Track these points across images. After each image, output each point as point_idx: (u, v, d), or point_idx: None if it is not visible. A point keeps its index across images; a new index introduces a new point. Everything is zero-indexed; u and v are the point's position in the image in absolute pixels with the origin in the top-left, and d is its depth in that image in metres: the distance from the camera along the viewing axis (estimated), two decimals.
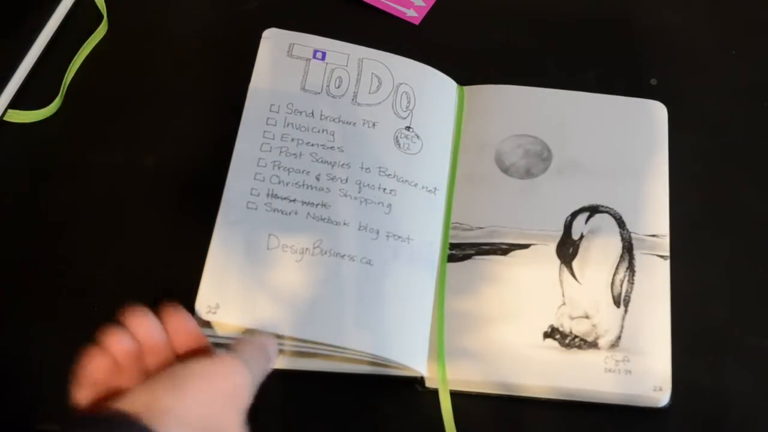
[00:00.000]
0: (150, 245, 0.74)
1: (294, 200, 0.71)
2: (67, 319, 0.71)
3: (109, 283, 0.72)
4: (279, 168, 0.72)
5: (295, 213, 0.71)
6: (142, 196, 0.76)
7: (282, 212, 0.71)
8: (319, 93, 0.76)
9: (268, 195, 0.71)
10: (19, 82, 0.80)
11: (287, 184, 0.72)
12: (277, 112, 0.74)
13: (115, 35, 0.83)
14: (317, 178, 0.72)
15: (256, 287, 0.68)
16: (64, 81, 0.80)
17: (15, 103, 0.79)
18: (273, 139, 0.73)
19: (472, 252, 0.72)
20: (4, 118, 0.78)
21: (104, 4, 0.84)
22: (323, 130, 0.74)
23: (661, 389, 0.67)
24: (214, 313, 0.67)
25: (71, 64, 0.81)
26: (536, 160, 0.75)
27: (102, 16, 0.83)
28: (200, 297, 0.67)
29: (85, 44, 0.82)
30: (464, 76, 0.79)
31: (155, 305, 0.71)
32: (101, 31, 0.83)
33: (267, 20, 0.80)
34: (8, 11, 0.82)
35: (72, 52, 0.82)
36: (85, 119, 0.80)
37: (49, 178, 0.77)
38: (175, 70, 0.82)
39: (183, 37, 0.84)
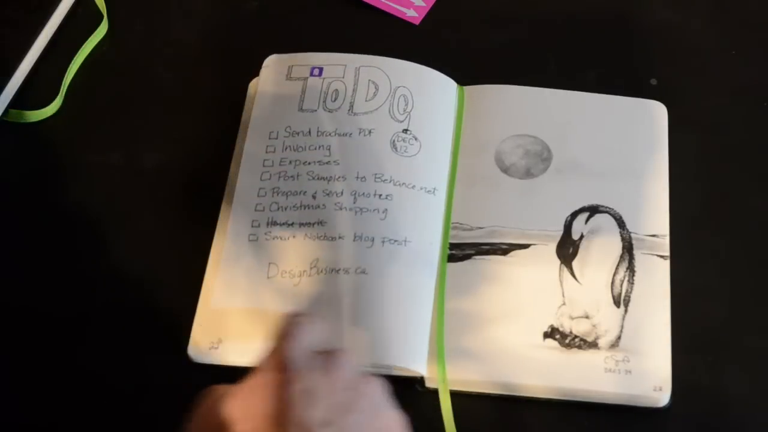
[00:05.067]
0: (150, 245, 0.74)
1: (292, 224, 0.71)
2: (67, 319, 0.71)
3: (109, 283, 0.72)
4: (278, 194, 0.72)
5: (293, 237, 0.71)
6: (141, 196, 0.76)
7: (281, 239, 0.71)
8: (315, 110, 0.76)
9: (267, 224, 0.71)
10: (19, 82, 0.80)
11: (285, 209, 0.72)
12: (276, 138, 0.75)
13: (115, 35, 0.83)
14: (314, 197, 0.72)
15: (256, 319, 0.68)
16: (64, 81, 0.80)
17: (15, 103, 0.79)
18: (272, 166, 0.74)
19: (472, 252, 0.72)
20: (5, 118, 0.79)
21: (104, 4, 0.84)
22: (320, 146, 0.74)
23: (661, 389, 0.67)
24: (216, 348, 0.67)
25: (71, 64, 0.81)
26: (536, 160, 0.75)
27: (102, 16, 0.84)
28: (200, 333, 0.68)
29: (85, 44, 0.82)
30: (464, 76, 0.79)
31: (155, 305, 0.71)
32: (101, 31, 0.83)
33: (267, 20, 0.80)
34: (8, 11, 0.82)
35: (72, 52, 0.82)
36: (85, 119, 0.80)
37: (49, 178, 0.77)
38: (175, 70, 0.82)
39: (183, 37, 0.84)
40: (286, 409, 0.52)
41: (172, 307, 0.70)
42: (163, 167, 0.77)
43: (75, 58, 0.81)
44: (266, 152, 0.74)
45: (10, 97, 0.79)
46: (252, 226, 0.72)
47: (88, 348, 0.70)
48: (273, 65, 0.78)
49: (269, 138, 0.75)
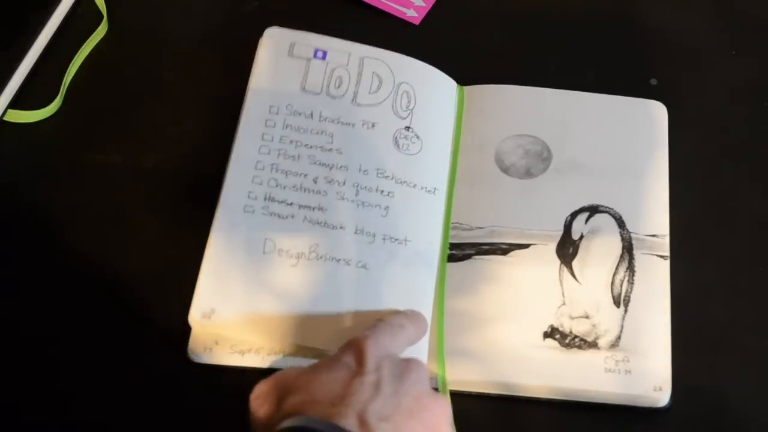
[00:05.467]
0: (149, 245, 0.74)
1: (291, 203, 0.71)
2: (66, 319, 0.71)
3: (109, 283, 0.72)
4: (277, 171, 0.72)
5: (292, 217, 0.70)
6: (141, 196, 0.76)
7: (279, 216, 0.70)
8: (318, 93, 0.75)
9: (265, 198, 0.71)
10: (19, 82, 0.80)
11: (284, 188, 0.71)
12: (277, 114, 0.74)
13: (115, 35, 0.83)
14: (315, 181, 0.72)
15: (251, 292, 0.68)
16: (64, 81, 0.80)
17: (15, 103, 0.79)
18: (272, 141, 0.73)
19: (472, 252, 0.72)
20: (4, 118, 0.78)
21: (104, 4, 0.84)
22: (322, 132, 0.74)
23: (661, 389, 0.67)
24: (209, 317, 0.67)
25: (71, 64, 0.81)
26: (536, 160, 0.75)
27: (102, 16, 0.84)
28: (195, 301, 0.67)
29: (85, 44, 0.82)
30: (464, 76, 0.79)
31: (155, 304, 0.71)
32: (101, 31, 0.83)
33: (267, 20, 0.80)
34: (8, 11, 0.82)
35: (72, 52, 0.82)
36: (85, 119, 0.80)
37: (49, 178, 0.77)
38: (175, 70, 0.82)
39: (183, 37, 0.84)
40: (350, 395, 0.54)
41: (171, 307, 0.70)
42: (163, 167, 0.77)
43: (75, 58, 0.81)
44: (266, 125, 0.73)
45: (10, 97, 0.79)
46: (248, 198, 0.71)
47: (88, 347, 0.70)
48: (275, 37, 0.77)
49: (269, 112, 0.74)
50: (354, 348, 0.58)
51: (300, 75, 0.76)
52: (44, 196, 0.76)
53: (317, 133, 0.73)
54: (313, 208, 0.70)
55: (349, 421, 0.53)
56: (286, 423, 0.53)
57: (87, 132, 0.79)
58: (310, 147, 0.73)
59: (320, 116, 0.74)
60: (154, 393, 0.68)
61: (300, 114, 0.74)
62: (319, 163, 0.72)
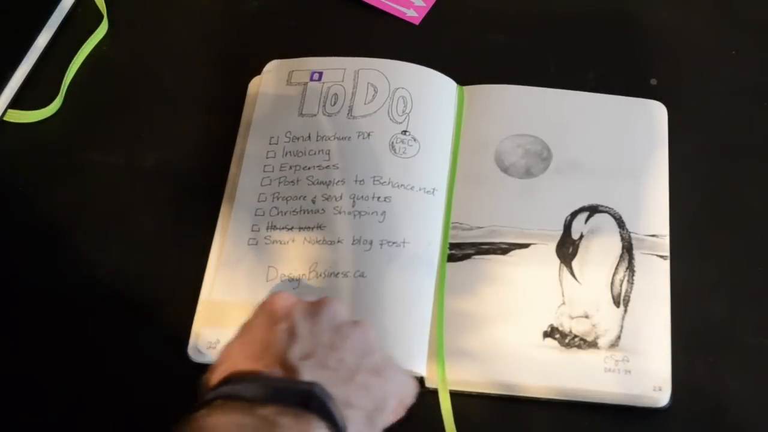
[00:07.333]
0: (150, 245, 0.74)
1: (291, 228, 0.71)
2: (66, 319, 0.71)
3: (109, 283, 0.72)
4: (278, 199, 0.73)
5: (293, 241, 0.71)
6: (141, 196, 0.76)
7: (280, 242, 0.71)
8: (315, 115, 0.76)
9: (267, 228, 0.72)
10: (19, 82, 0.80)
11: (285, 214, 0.72)
12: (276, 144, 0.75)
13: (115, 35, 0.84)
14: (313, 201, 0.72)
15: None
16: (64, 81, 0.80)
17: (15, 103, 0.79)
18: (272, 171, 0.74)
19: (472, 251, 0.72)
20: (4, 118, 0.79)
21: (104, 4, 0.84)
22: (319, 151, 0.74)
23: (660, 389, 0.67)
24: (214, 348, 0.67)
25: (71, 64, 0.81)
26: (536, 160, 0.75)
27: (102, 16, 0.84)
28: (200, 334, 0.68)
29: (85, 44, 0.82)
30: (464, 76, 0.79)
31: (155, 304, 0.71)
32: (101, 31, 0.83)
33: (267, 20, 0.80)
34: (8, 11, 0.82)
35: (72, 52, 0.82)
36: (85, 119, 0.80)
37: (49, 178, 0.77)
38: (175, 70, 0.82)
39: (183, 37, 0.84)
40: (268, 347, 0.56)
41: (171, 307, 0.70)
42: (163, 167, 0.77)
43: (75, 58, 0.81)
44: (267, 157, 0.74)
45: (10, 97, 0.79)
46: (252, 231, 0.72)
47: (87, 348, 0.70)
48: (274, 70, 0.78)
49: (270, 143, 0.75)
50: (262, 307, 0.60)
51: (297, 101, 0.77)
52: (44, 196, 0.76)
53: (315, 153, 0.74)
54: (313, 228, 0.71)
55: (273, 369, 0.55)
56: (212, 394, 0.54)
57: (87, 132, 0.79)
58: (308, 168, 0.73)
59: (317, 136, 0.75)
60: (154, 393, 0.68)
61: (298, 138, 0.75)
62: (318, 182, 0.73)
